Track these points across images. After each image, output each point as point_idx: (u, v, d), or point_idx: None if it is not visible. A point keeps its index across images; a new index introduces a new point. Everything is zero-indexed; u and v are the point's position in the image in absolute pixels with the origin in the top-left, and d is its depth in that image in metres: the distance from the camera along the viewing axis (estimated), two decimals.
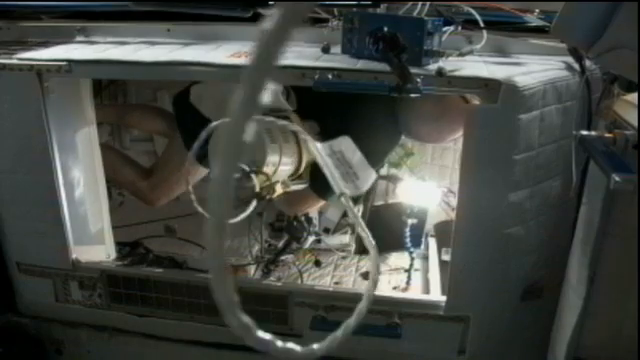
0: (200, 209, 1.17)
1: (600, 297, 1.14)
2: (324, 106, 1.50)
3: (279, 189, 1.46)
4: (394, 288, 1.77)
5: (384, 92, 1.20)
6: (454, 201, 1.66)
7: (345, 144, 1.04)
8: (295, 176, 1.56)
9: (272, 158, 1.39)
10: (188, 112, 1.66)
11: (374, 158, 1.64)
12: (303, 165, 1.53)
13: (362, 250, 2.01)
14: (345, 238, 1.98)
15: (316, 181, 1.61)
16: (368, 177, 1.04)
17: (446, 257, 1.70)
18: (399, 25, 1.24)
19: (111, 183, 2.19)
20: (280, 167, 1.43)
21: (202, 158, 1.71)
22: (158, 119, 2.02)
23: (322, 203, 1.70)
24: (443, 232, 1.89)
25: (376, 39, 1.24)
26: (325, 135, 1.65)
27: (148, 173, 1.88)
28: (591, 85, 1.26)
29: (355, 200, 1.88)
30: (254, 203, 1.31)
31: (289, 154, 1.47)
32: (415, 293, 1.72)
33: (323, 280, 1.85)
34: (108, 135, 2.21)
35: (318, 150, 0.99)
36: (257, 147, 1.36)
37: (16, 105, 1.38)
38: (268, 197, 1.45)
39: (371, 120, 1.57)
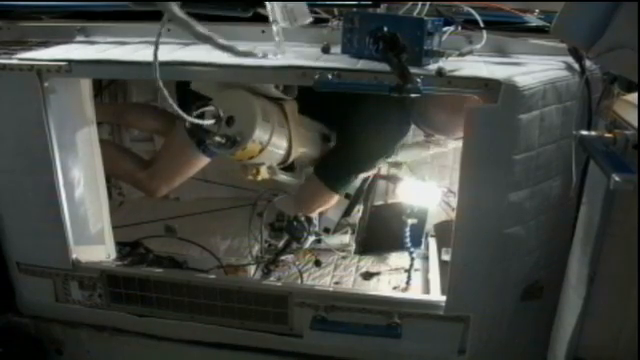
0: None
1: (600, 297, 1.14)
2: (335, 100, 1.50)
3: (264, 172, 1.48)
4: (394, 288, 1.77)
5: (384, 92, 1.20)
6: (454, 201, 1.66)
7: (297, 7, 1.19)
8: (284, 165, 1.56)
9: (261, 135, 1.40)
10: (191, 95, 1.66)
11: (383, 147, 1.64)
12: (293, 154, 1.53)
13: (362, 250, 2.01)
14: (345, 238, 1.98)
15: (326, 171, 1.61)
16: (304, 18, 1.19)
17: (446, 257, 1.70)
18: (399, 25, 1.24)
19: (111, 183, 2.20)
20: (268, 148, 1.43)
21: (200, 143, 1.72)
22: (157, 118, 2.02)
23: (335, 199, 1.69)
24: (443, 232, 1.89)
25: (376, 39, 1.24)
26: (334, 122, 1.65)
27: (147, 163, 1.88)
28: (591, 85, 1.26)
29: (356, 199, 1.88)
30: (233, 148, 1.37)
31: (280, 138, 1.47)
32: (415, 293, 1.72)
33: (323, 280, 1.85)
34: (108, 135, 2.22)
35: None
36: (247, 121, 1.37)
37: (16, 105, 1.38)
38: (251, 178, 1.47)
39: (380, 109, 1.56)
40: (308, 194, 1.66)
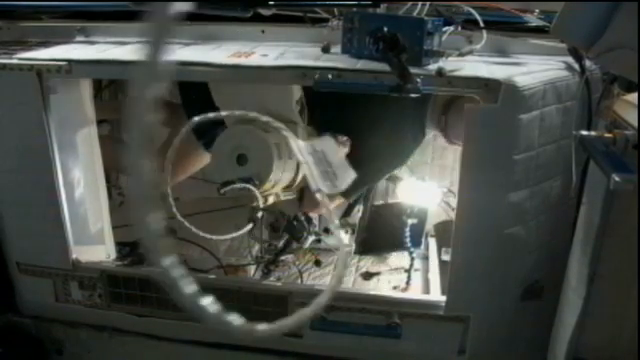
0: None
1: (600, 297, 1.14)
2: (348, 108, 1.49)
3: (270, 200, 1.47)
4: (394, 288, 1.77)
5: (384, 92, 1.20)
6: (454, 201, 1.66)
7: (327, 145, 1.06)
8: (289, 188, 1.57)
9: (275, 175, 1.38)
10: (194, 95, 1.66)
11: (397, 160, 1.64)
12: (298, 179, 1.53)
13: (362, 250, 2.01)
14: (345, 238, 1.98)
15: None
16: (347, 177, 1.05)
17: (446, 257, 1.71)
18: (399, 25, 1.24)
19: (111, 183, 2.20)
20: (281, 182, 1.43)
21: (209, 144, 1.72)
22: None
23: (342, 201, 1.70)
24: (443, 232, 1.89)
25: (376, 39, 1.24)
26: (348, 133, 1.65)
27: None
28: (591, 85, 1.26)
29: (356, 200, 1.88)
30: (250, 224, 1.36)
31: (290, 169, 1.46)
32: (415, 293, 1.72)
33: (323, 280, 1.85)
34: (108, 133, 2.21)
35: (299, 147, 1.01)
36: (264, 163, 1.35)
37: (16, 105, 1.39)
38: (258, 204, 1.45)
39: (396, 123, 1.56)
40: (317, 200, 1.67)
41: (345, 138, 1.62)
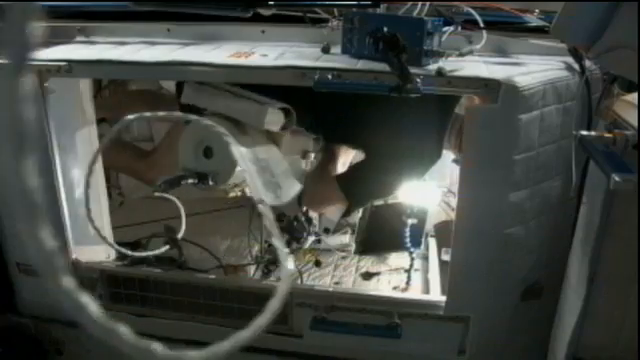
0: None
1: (600, 297, 1.14)
2: (371, 122, 1.49)
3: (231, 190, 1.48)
4: (394, 288, 1.77)
5: (384, 92, 1.20)
6: (454, 201, 1.66)
7: (271, 153, 1.00)
8: None
9: (236, 179, 1.39)
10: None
11: (409, 178, 1.64)
12: None
13: (362, 250, 2.01)
14: (345, 238, 1.98)
15: (349, 189, 1.62)
16: (290, 188, 0.99)
17: (446, 257, 1.70)
18: (399, 25, 1.24)
19: (111, 183, 2.20)
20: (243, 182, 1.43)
21: None
22: (146, 100, 2.03)
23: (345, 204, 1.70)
24: (443, 232, 1.89)
25: (376, 39, 1.24)
26: (363, 147, 1.64)
27: (146, 154, 1.89)
28: (591, 85, 1.26)
29: None
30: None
31: None
32: (415, 293, 1.72)
33: (323, 280, 1.85)
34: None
35: (241, 154, 0.98)
36: (226, 165, 1.35)
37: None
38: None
39: (418, 143, 1.55)
40: (324, 198, 1.67)
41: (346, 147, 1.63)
